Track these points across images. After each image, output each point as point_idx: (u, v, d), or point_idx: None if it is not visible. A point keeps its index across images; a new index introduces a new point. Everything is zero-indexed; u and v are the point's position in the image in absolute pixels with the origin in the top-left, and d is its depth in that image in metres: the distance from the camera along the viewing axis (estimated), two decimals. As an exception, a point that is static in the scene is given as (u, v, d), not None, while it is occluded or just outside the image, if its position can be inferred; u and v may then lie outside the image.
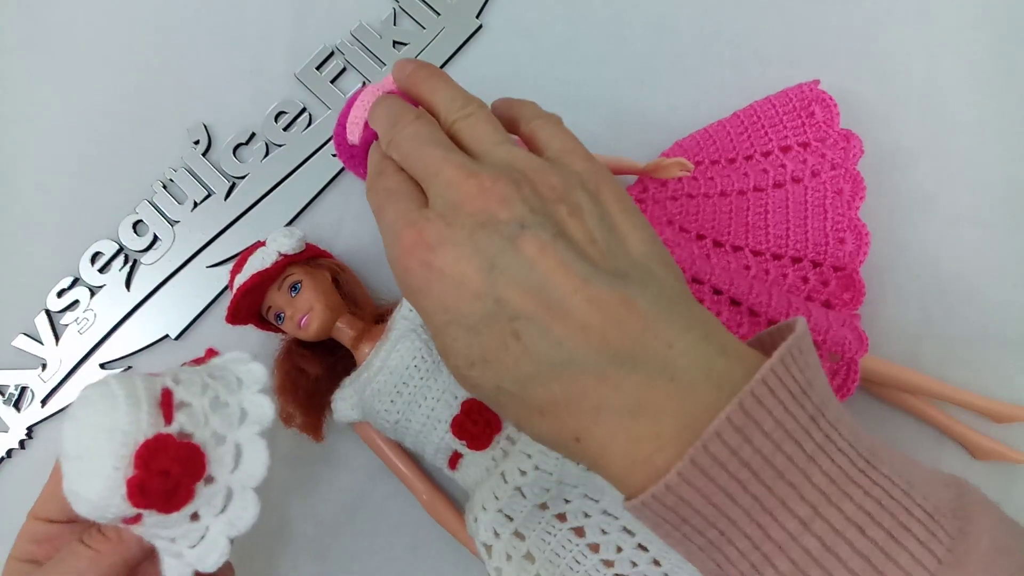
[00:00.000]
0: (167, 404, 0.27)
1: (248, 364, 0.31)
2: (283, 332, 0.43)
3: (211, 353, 0.34)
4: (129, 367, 0.49)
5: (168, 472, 0.26)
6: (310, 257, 0.43)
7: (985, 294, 0.45)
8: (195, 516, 0.28)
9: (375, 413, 0.39)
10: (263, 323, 0.43)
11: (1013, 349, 0.45)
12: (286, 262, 0.41)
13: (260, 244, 0.42)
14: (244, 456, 0.28)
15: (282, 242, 0.41)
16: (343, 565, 0.45)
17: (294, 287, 0.41)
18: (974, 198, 0.46)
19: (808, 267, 0.41)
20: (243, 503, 0.28)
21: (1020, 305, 0.45)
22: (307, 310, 0.41)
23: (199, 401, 0.28)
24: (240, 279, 0.41)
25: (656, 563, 0.38)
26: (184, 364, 0.33)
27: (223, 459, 0.28)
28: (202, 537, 0.28)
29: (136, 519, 0.27)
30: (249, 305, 0.41)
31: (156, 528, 0.27)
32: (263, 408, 0.30)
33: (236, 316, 0.41)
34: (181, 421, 0.27)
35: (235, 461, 0.28)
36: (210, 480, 0.27)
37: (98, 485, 0.25)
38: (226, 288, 0.49)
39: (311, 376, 0.43)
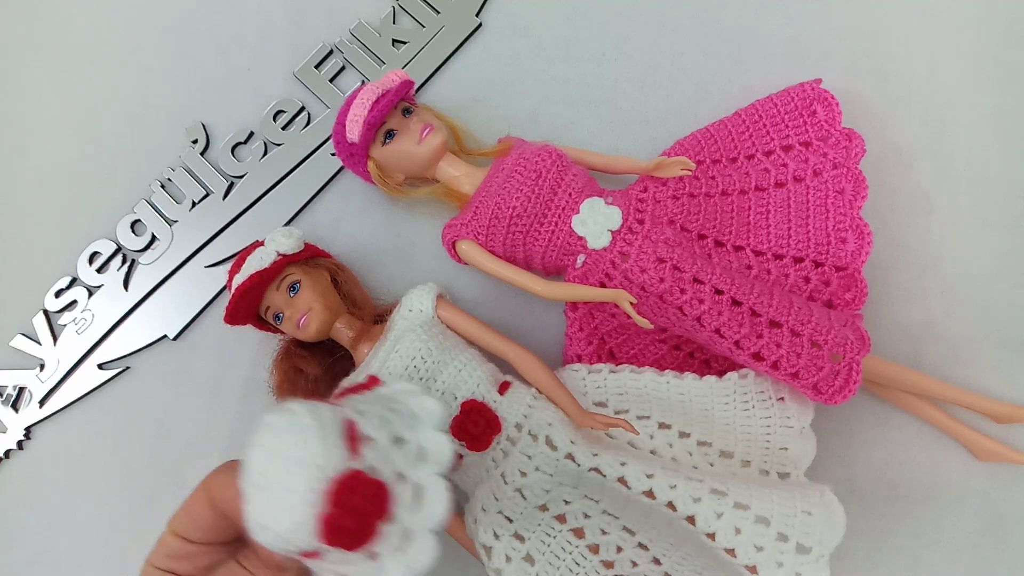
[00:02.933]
0: (352, 437, 0.26)
1: (421, 398, 0.30)
2: (281, 332, 0.43)
3: (374, 381, 0.32)
4: (127, 368, 0.49)
5: (359, 510, 0.25)
6: (309, 257, 0.43)
7: (987, 294, 0.45)
8: (372, 555, 0.26)
9: (374, 414, 0.39)
10: (262, 323, 0.43)
11: (1014, 350, 0.44)
12: (285, 262, 0.41)
13: (259, 244, 0.42)
14: (425, 497, 0.27)
15: (281, 242, 0.41)
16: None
17: (293, 287, 0.41)
18: (975, 198, 0.46)
19: (810, 267, 0.41)
20: (422, 545, 0.27)
21: (1021, 305, 0.45)
22: (306, 310, 0.40)
23: (381, 435, 0.27)
24: (239, 279, 0.41)
25: (656, 561, 0.38)
26: (346, 390, 0.31)
27: (404, 498, 0.26)
28: None
29: (316, 553, 0.26)
30: (248, 305, 0.41)
31: (334, 564, 0.26)
32: (441, 447, 0.28)
33: (235, 316, 0.41)
34: (367, 456, 0.26)
35: (415, 501, 0.27)
36: (391, 519, 0.26)
37: (287, 520, 0.24)
38: (224, 288, 0.49)
39: (310, 377, 0.43)
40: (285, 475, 0.25)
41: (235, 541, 0.31)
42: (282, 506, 0.24)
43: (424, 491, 0.27)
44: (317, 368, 0.43)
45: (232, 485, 0.29)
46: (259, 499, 0.25)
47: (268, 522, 0.25)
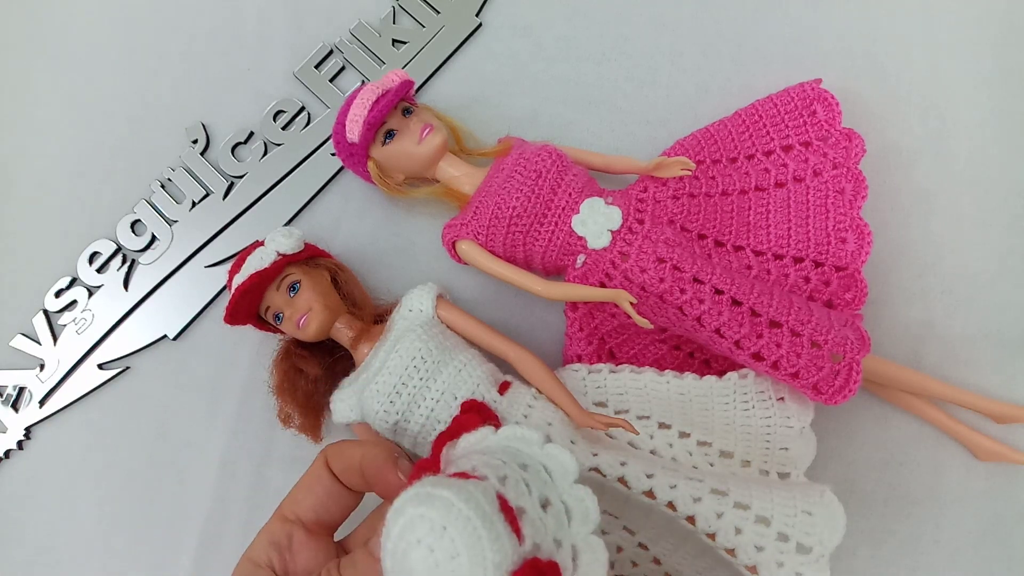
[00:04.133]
0: (511, 517, 0.24)
1: (545, 448, 0.28)
2: (282, 332, 0.43)
3: (474, 412, 0.30)
4: (127, 368, 0.49)
5: None
6: (309, 257, 0.43)
7: (987, 294, 0.45)
8: None
9: (374, 414, 0.39)
10: (262, 323, 0.43)
11: (1014, 349, 0.44)
12: (284, 262, 0.41)
13: (259, 244, 0.42)
14: (580, 559, 0.26)
15: (281, 242, 0.41)
16: (342, 566, 0.45)
17: (293, 287, 0.41)
18: (975, 198, 0.46)
19: (810, 267, 0.41)
20: None
21: (1021, 305, 0.45)
22: (306, 310, 0.40)
23: (530, 504, 0.25)
24: (239, 279, 0.41)
25: (656, 561, 0.38)
26: (445, 436, 0.30)
27: (566, 565, 0.25)
28: None
29: None
30: (248, 305, 0.41)
31: None
32: (587, 503, 0.26)
33: (235, 316, 0.41)
34: (529, 535, 0.24)
35: (573, 566, 0.25)
36: None
37: None
38: (224, 288, 0.49)
39: (310, 377, 0.43)
40: None
41: (333, 545, 0.31)
42: None
43: (580, 553, 0.26)
44: (317, 368, 0.43)
45: (350, 449, 0.31)
46: None
47: None
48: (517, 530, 0.23)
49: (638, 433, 0.39)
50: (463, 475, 0.25)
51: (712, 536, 0.35)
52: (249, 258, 0.41)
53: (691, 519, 0.36)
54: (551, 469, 0.27)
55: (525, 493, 0.25)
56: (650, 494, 0.37)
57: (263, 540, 0.31)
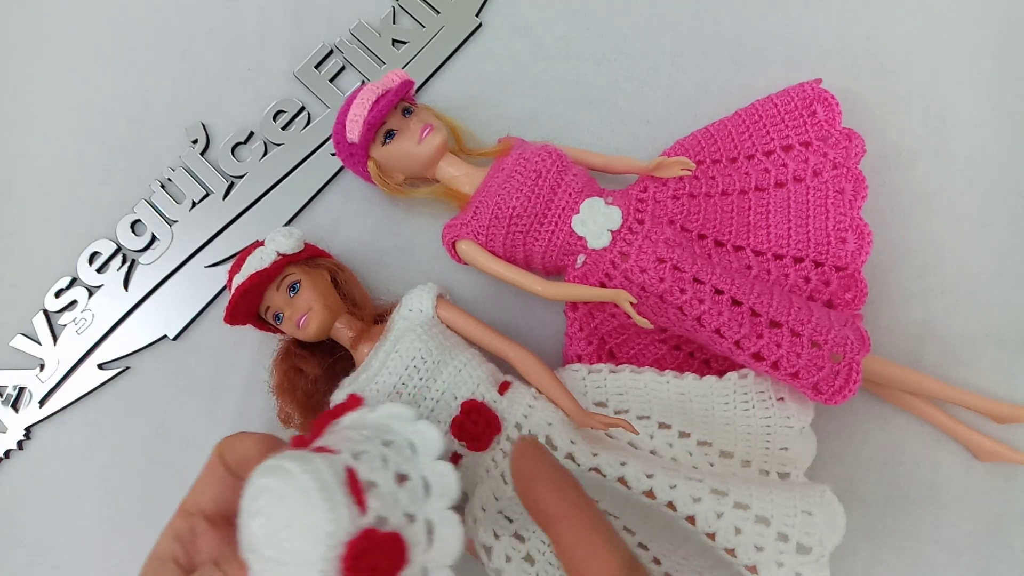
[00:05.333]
0: (356, 489, 0.25)
1: (415, 425, 0.29)
2: (282, 332, 0.43)
3: (356, 402, 0.31)
4: (127, 368, 0.49)
5: (378, 568, 0.24)
6: (309, 257, 0.43)
7: (987, 294, 0.45)
8: None
9: (374, 414, 0.39)
10: (262, 323, 0.43)
11: (1014, 349, 0.44)
12: (285, 262, 0.41)
13: (259, 244, 0.42)
14: (436, 533, 0.26)
15: (281, 242, 0.41)
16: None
17: (293, 287, 0.41)
18: (975, 198, 0.46)
19: (810, 267, 0.41)
20: None
21: (1021, 305, 0.45)
22: (306, 310, 0.40)
23: (383, 478, 0.26)
24: (239, 279, 0.41)
25: (656, 561, 0.38)
26: (329, 414, 0.30)
27: (417, 539, 0.26)
28: None
29: None
30: (248, 305, 0.41)
31: None
32: (447, 478, 0.27)
33: (235, 316, 0.41)
34: (375, 507, 0.25)
35: (428, 539, 0.26)
36: (409, 564, 0.25)
37: None
38: (224, 288, 0.49)
39: (310, 377, 0.43)
40: (295, 545, 0.23)
41: (233, 539, 0.31)
42: None
43: (435, 527, 0.26)
44: (317, 368, 0.43)
45: (242, 440, 0.31)
46: (268, 571, 0.24)
47: None
48: (361, 502, 0.24)
49: (638, 433, 0.39)
50: (322, 449, 0.26)
51: (712, 536, 0.35)
52: (249, 258, 0.41)
53: (691, 519, 0.36)
54: (416, 445, 0.28)
55: (380, 468, 0.26)
56: (650, 494, 0.37)
57: (167, 536, 0.31)
